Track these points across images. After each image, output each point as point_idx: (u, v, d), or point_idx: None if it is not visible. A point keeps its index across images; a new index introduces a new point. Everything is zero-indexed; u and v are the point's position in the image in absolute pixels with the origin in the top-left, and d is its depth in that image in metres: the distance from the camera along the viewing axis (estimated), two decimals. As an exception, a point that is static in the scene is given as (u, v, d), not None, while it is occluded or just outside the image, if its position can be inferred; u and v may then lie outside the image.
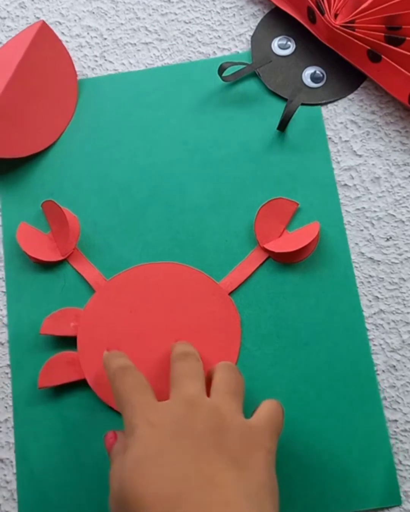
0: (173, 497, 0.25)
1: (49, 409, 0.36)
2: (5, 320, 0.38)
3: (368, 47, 0.37)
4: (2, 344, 0.38)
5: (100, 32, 0.42)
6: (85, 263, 0.38)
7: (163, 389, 0.36)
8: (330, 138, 0.39)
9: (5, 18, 0.43)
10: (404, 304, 0.37)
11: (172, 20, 0.42)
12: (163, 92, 0.41)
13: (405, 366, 0.36)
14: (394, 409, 0.36)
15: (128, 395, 0.30)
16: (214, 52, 0.41)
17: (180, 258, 0.38)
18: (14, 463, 0.36)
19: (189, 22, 0.42)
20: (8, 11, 0.43)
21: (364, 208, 0.38)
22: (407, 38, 0.36)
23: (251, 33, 0.41)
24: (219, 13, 0.42)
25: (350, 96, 0.40)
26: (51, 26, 0.40)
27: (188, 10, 0.42)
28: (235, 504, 0.25)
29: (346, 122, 0.40)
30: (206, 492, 0.25)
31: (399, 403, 0.36)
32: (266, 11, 0.41)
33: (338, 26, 0.37)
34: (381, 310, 0.37)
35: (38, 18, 0.42)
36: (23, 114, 0.39)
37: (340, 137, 0.39)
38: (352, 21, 0.37)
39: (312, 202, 0.38)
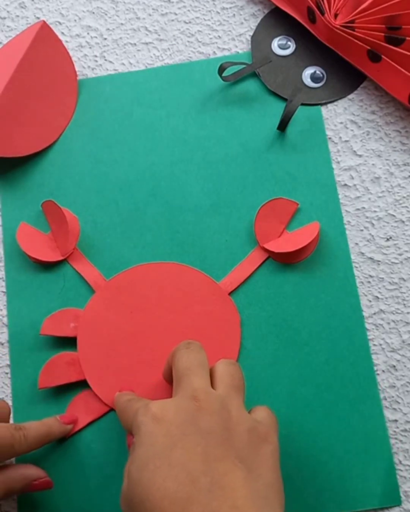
0: (181, 500, 0.24)
1: (49, 409, 0.36)
2: (5, 320, 0.38)
3: (368, 47, 0.37)
4: (2, 344, 0.38)
5: (100, 32, 0.42)
6: (85, 263, 0.38)
7: (163, 389, 0.36)
8: (330, 138, 0.39)
9: (5, 18, 0.43)
10: (404, 304, 0.37)
11: (172, 20, 0.42)
12: (163, 92, 0.41)
13: (405, 366, 0.36)
14: (394, 409, 0.36)
15: (131, 406, 0.30)
16: (214, 52, 0.41)
17: (180, 258, 0.38)
18: (14, 463, 0.36)
19: (189, 22, 0.42)
20: (8, 11, 0.43)
21: (364, 208, 0.38)
22: (407, 38, 0.36)
23: (251, 33, 0.41)
24: (219, 13, 0.42)
25: (350, 96, 0.40)
26: (51, 26, 0.40)
27: (188, 10, 0.42)
28: (244, 508, 0.24)
29: (346, 122, 0.40)
30: (214, 495, 0.24)
31: (399, 403, 0.36)
32: (266, 11, 0.41)
33: (338, 26, 0.37)
34: (381, 310, 0.37)
35: (38, 18, 0.42)
36: (23, 113, 0.39)
37: (340, 137, 0.39)
38: (352, 21, 0.37)
39: (312, 202, 0.38)
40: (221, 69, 0.39)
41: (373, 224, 0.38)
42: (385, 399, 0.36)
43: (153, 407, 0.27)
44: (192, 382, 0.29)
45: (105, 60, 0.42)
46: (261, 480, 0.26)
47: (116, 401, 0.33)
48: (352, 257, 0.38)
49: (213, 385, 0.30)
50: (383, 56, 0.37)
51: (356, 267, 0.38)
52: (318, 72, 0.40)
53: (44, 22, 0.40)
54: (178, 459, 0.25)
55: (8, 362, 0.37)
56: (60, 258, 0.38)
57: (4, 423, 0.32)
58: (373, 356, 0.36)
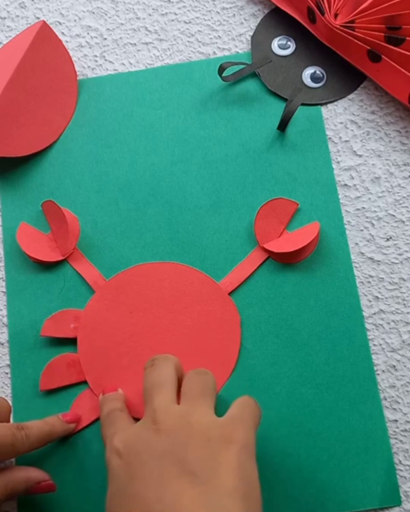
0: None
1: (49, 409, 0.36)
2: (5, 320, 0.38)
3: (368, 47, 0.37)
4: (2, 344, 0.38)
5: (100, 32, 0.42)
6: (85, 263, 0.38)
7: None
8: (330, 138, 0.39)
9: (5, 18, 0.43)
10: (404, 304, 0.37)
11: (172, 20, 0.42)
12: (163, 92, 0.41)
13: (405, 366, 0.36)
14: (394, 409, 0.36)
15: (104, 432, 0.31)
16: (214, 52, 0.41)
17: (180, 258, 0.38)
18: (14, 463, 0.36)
19: (189, 22, 0.42)
20: (8, 11, 0.43)
21: (364, 208, 0.38)
22: (407, 38, 0.36)
23: (251, 33, 0.41)
24: (219, 13, 0.42)
25: (350, 96, 0.40)
26: (51, 26, 0.40)
27: (188, 10, 0.42)
28: None
29: (346, 122, 0.40)
30: None
31: (399, 403, 0.36)
32: (266, 11, 0.41)
33: (338, 26, 0.37)
34: (381, 310, 0.37)
35: (38, 18, 0.42)
36: (23, 114, 0.39)
37: (340, 137, 0.39)
38: (352, 21, 0.37)
39: (312, 202, 0.38)
40: (221, 69, 0.39)
41: (373, 224, 0.38)
42: (385, 399, 0.36)
43: (116, 441, 0.28)
44: (153, 403, 0.29)
45: (105, 60, 0.42)
46: (219, 490, 0.25)
47: (100, 409, 0.33)
48: (352, 257, 0.38)
49: (179, 397, 0.30)
50: (383, 56, 0.37)
51: (356, 267, 0.38)
52: (318, 72, 0.40)
53: (44, 22, 0.40)
54: (136, 491, 0.26)
55: (8, 362, 0.37)
56: (60, 258, 0.38)
57: (5, 423, 0.32)
58: (373, 356, 0.36)
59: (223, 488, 0.26)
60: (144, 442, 0.28)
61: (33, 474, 0.33)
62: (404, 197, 0.38)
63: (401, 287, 0.37)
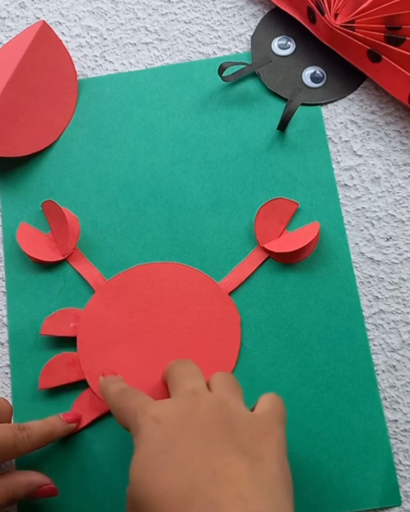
0: (183, 495, 0.24)
1: (49, 409, 0.36)
2: (5, 320, 0.38)
3: (368, 47, 0.37)
4: (2, 344, 0.38)
5: (100, 32, 0.42)
6: (85, 263, 0.38)
7: (163, 389, 0.36)
8: (330, 138, 0.39)
9: (5, 18, 0.43)
10: (404, 304, 0.37)
11: (172, 20, 0.42)
12: (163, 92, 0.41)
13: (405, 366, 0.36)
14: (394, 409, 0.36)
15: (126, 403, 0.29)
16: (214, 52, 0.41)
17: (180, 258, 0.38)
18: (14, 462, 0.36)
19: (189, 22, 0.42)
20: (8, 11, 0.43)
21: (364, 208, 0.38)
22: (407, 38, 0.36)
23: (251, 33, 0.41)
24: (219, 13, 0.42)
25: (350, 96, 0.40)
26: (51, 26, 0.40)
27: (188, 10, 0.42)
28: (249, 497, 0.24)
29: (346, 122, 0.40)
30: (217, 487, 0.24)
31: (399, 403, 0.36)
32: (266, 11, 0.41)
33: (338, 26, 0.37)
34: (381, 310, 0.37)
35: (38, 18, 0.42)
36: (23, 114, 0.39)
37: (340, 137, 0.39)
38: (352, 21, 0.37)
39: (312, 202, 0.38)
40: (221, 69, 0.39)
41: (373, 224, 0.38)
42: (385, 399, 0.36)
43: (152, 409, 0.27)
44: (189, 384, 0.29)
45: (105, 60, 0.42)
46: (265, 472, 0.25)
47: (104, 390, 0.32)
48: (352, 257, 0.38)
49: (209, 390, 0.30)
50: (383, 56, 0.37)
51: (356, 267, 0.38)
52: (318, 72, 0.40)
53: (44, 22, 0.40)
54: (178, 456, 0.25)
55: (8, 362, 0.37)
56: (60, 258, 0.38)
57: (7, 424, 0.32)
58: (373, 356, 0.36)
59: (268, 471, 0.26)
60: (187, 413, 0.27)
61: (35, 478, 0.32)
62: (404, 197, 0.38)
63: (401, 287, 0.37)
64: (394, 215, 0.38)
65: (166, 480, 0.25)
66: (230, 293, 0.37)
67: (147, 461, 0.26)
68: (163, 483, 0.24)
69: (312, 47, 0.40)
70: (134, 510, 0.26)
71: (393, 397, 0.36)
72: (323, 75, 0.40)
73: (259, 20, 0.41)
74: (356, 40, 0.37)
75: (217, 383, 0.30)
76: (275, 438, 0.27)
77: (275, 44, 0.41)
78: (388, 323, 0.37)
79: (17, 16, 0.43)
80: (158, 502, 0.24)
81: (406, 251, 0.38)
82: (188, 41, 0.42)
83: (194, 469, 0.25)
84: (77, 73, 0.41)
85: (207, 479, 0.24)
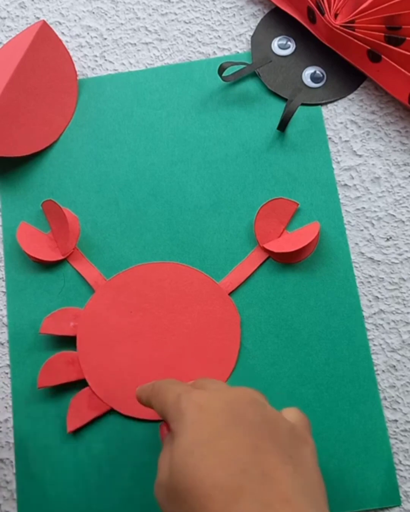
0: (232, 489, 0.23)
1: (49, 409, 0.36)
2: (5, 320, 0.38)
3: (368, 47, 0.37)
4: (2, 344, 0.38)
5: (100, 32, 0.42)
6: (85, 263, 0.38)
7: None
8: (330, 138, 0.39)
9: (5, 18, 0.43)
10: (404, 304, 0.37)
11: (172, 20, 0.42)
12: (163, 92, 0.41)
13: (405, 366, 0.36)
14: (394, 409, 0.36)
15: (169, 385, 0.28)
16: (214, 52, 0.41)
17: (180, 258, 0.38)
18: (14, 463, 0.36)
19: (189, 22, 0.42)
20: (8, 11, 0.43)
21: (364, 208, 0.38)
22: (407, 38, 0.36)
23: (251, 33, 0.41)
24: (219, 13, 0.42)
25: (350, 96, 0.40)
26: (51, 26, 0.40)
27: (188, 10, 0.42)
28: (295, 502, 0.23)
29: (346, 122, 0.40)
30: (265, 487, 0.23)
31: (399, 403, 0.36)
32: (266, 11, 0.41)
33: (338, 26, 0.37)
34: (381, 310, 0.37)
35: (38, 18, 0.42)
36: (23, 113, 0.39)
37: (340, 137, 0.39)
38: (352, 21, 0.37)
39: (312, 202, 0.38)
40: (221, 69, 0.39)
41: (373, 224, 0.38)
42: (385, 399, 0.36)
43: (197, 396, 0.27)
44: (208, 383, 0.28)
45: (105, 60, 0.42)
46: (307, 478, 0.25)
47: (141, 392, 0.31)
48: (352, 257, 0.38)
49: None
50: (383, 56, 0.37)
51: (356, 267, 0.37)
52: (318, 72, 0.40)
53: (44, 22, 0.40)
54: (226, 448, 0.24)
55: (8, 362, 0.37)
56: (60, 257, 0.38)
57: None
58: (373, 356, 0.36)
59: (310, 478, 0.25)
60: (233, 406, 0.26)
61: None
62: (404, 197, 0.38)
63: (401, 287, 0.37)
64: (394, 215, 0.38)
65: (214, 472, 0.24)
66: (230, 293, 0.37)
67: (192, 449, 0.25)
68: (211, 474, 0.23)
69: (312, 47, 0.40)
70: (171, 500, 0.25)
71: (393, 397, 0.36)
72: (323, 75, 0.40)
73: (259, 20, 0.41)
74: (356, 40, 0.37)
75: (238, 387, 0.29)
76: (310, 447, 0.27)
77: (275, 44, 0.41)
78: (388, 323, 0.37)
79: (17, 16, 0.43)
80: (205, 493, 0.23)
81: (406, 251, 0.38)
82: (188, 41, 0.42)
83: (242, 465, 0.24)
84: (77, 73, 0.41)
85: (255, 478, 0.23)
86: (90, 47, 0.42)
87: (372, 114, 0.40)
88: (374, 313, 0.37)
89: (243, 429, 0.25)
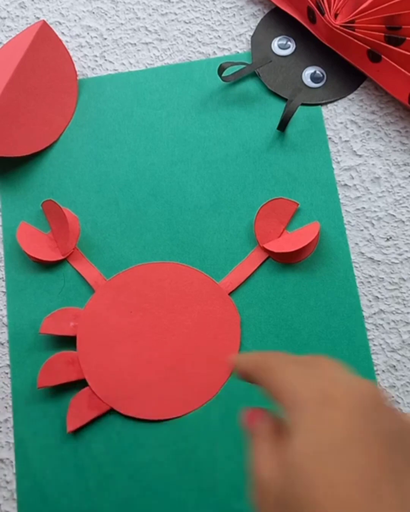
0: None
1: (49, 409, 0.36)
2: (5, 320, 0.38)
3: (368, 47, 0.37)
4: (2, 344, 0.38)
5: (100, 32, 0.42)
6: (85, 262, 0.38)
7: (163, 389, 0.36)
8: (330, 138, 0.39)
9: (5, 18, 0.43)
10: (404, 304, 0.37)
11: (172, 20, 0.42)
12: (163, 92, 0.41)
13: (405, 366, 0.36)
14: (394, 409, 0.36)
15: (285, 364, 0.24)
16: (214, 52, 0.41)
17: (180, 258, 0.38)
18: (14, 463, 0.36)
19: (189, 22, 0.42)
20: (8, 11, 0.43)
21: (364, 208, 0.38)
22: (407, 38, 0.36)
23: (251, 33, 0.41)
24: (219, 13, 0.42)
25: (350, 96, 0.40)
26: (51, 26, 0.40)
27: (188, 10, 0.42)
28: None
29: (346, 122, 0.40)
30: None
31: (399, 403, 0.36)
32: (266, 11, 0.41)
33: (338, 26, 0.37)
34: (381, 310, 0.37)
35: (38, 18, 0.42)
36: (23, 113, 0.39)
37: (340, 137, 0.39)
38: (352, 21, 0.37)
39: (312, 202, 0.38)
40: (221, 69, 0.39)
41: (373, 224, 0.38)
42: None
43: (322, 382, 0.22)
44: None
45: (105, 60, 0.42)
46: None
47: (261, 357, 0.26)
48: (352, 257, 0.38)
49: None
50: (383, 56, 0.37)
51: (356, 267, 0.37)
52: (318, 72, 0.40)
53: (44, 22, 0.40)
54: (357, 460, 0.20)
55: (8, 362, 0.37)
56: (60, 257, 0.38)
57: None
58: (373, 356, 0.36)
59: None
60: (367, 408, 0.21)
61: None
62: (404, 197, 0.38)
63: (401, 287, 0.37)
64: (394, 215, 0.38)
65: (345, 488, 0.19)
66: (230, 293, 0.37)
67: (315, 453, 0.20)
68: (341, 491, 0.19)
69: (312, 47, 0.40)
70: (281, 507, 0.20)
71: (393, 397, 0.36)
72: (323, 75, 0.40)
73: (259, 20, 0.41)
74: (356, 40, 0.37)
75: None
76: None
77: (275, 44, 0.41)
78: (388, 323, 0.37)
79: (17, 16, 0.43)
80: (328, 510, 0.19)
81: (406, 251, 0.38)
82: (188, 41, 0.42)
83: (378, 486, 0.19)
84: (77, 73, 0.41)
85: (393, 505, 0.19)
86: (90, 47, 0.42)
87: (372, 114, 0.40)
88: (374, 313, 0.37)
89: (380, 439, 0.20)
